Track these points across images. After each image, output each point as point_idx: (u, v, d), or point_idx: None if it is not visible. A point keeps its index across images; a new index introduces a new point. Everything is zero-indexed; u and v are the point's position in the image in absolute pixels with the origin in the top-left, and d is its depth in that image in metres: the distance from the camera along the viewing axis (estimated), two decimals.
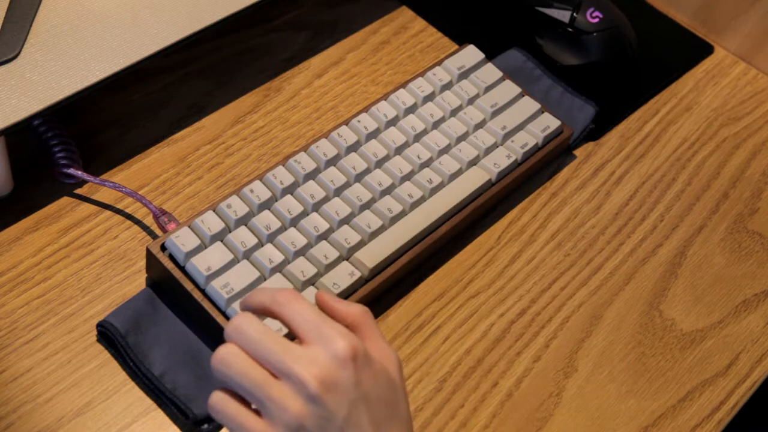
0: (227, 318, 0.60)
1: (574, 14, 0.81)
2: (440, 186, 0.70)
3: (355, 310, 0.54)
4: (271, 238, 0.64)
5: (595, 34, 0.81)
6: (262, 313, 0.53)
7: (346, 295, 0.63)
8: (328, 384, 0.49)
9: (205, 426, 0.59)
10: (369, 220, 0.66)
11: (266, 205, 0.65)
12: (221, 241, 0.63)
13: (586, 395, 0.65)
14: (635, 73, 0.84)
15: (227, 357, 0.50)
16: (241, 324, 0.51)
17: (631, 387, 0.66)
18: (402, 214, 0.67)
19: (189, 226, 0.63)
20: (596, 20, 0.81)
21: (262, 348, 0.50)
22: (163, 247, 0.62)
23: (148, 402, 0.60)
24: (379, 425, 0.51)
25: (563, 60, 0.82)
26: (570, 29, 0.81)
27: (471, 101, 0.75)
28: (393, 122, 0.72)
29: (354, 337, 0.51)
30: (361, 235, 0.65)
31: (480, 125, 0.74)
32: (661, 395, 0.66)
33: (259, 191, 0.65)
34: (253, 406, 0.50)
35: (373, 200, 0.68)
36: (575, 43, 0.82)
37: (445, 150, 0.71)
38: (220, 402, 0.51)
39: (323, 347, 0.50)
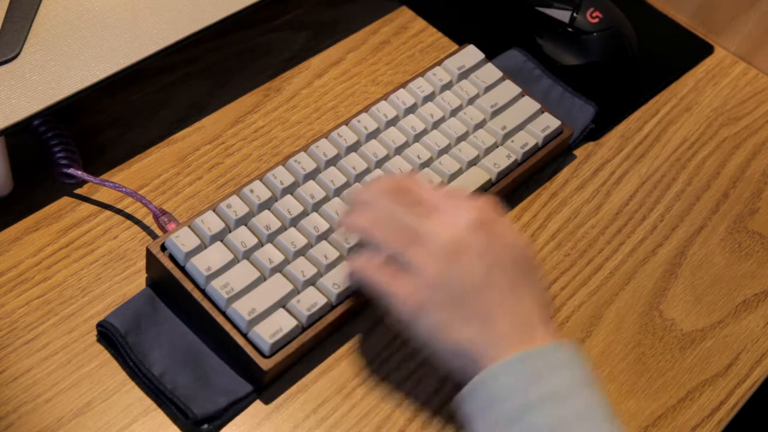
0: (227, 318, 0.60)
1: (574, 14, 0.81)
2: (440, 186, 0.70)
3: (481, 201, 0.59)
4: (271, 238, 0.64)
5: (595, 34, 0.81)
6: (396, 191, 0.59)
7: (345, 295, 0.63)
8: (460, 247, 0.56)
9: (205, 426, 0.59)
10: None
11: (266, 205, 0.65)
12: (221, 241, 0.63)
13: None
14: (635, 73, 0.84)
15: (371, 225, 0.58)
16: (380, 196, 0.59)
17: (631, 387, 0.66)
18: None
19: (189, 226, 0.63)
20: (596, 20, 0.81)
21: (401, 217, 0.58)
22: (163, 247, 0.62)
23: (148, 402, 0.60)
24: (512, 291, 0.56)
25: (563, 60, 0.82)
26: (570, 29, 0.81)
27: (471, 101, 0.75)
28: (393, 122, 0.72)
29: (483, 208, 0.58)
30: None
31: (480, 125, 0.74)
32: (661, 395, 0.66)
33: (259, 191, 0.65)
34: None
35: None
36: (575, 43, 0.82)
37: (445, 150, 0.71)
38: (363, 267, 0.58)
39: (454, 215, 0.57)
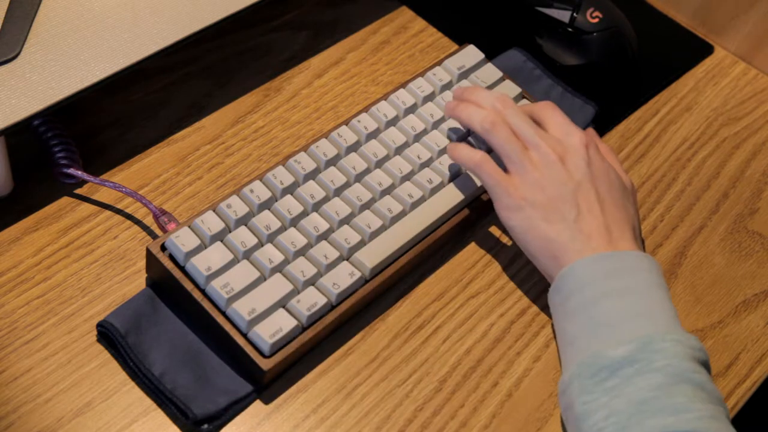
0: (227, 318, 0.60)
1: (574, 14, 0.81)
2: (440, 186, 0.70)
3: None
4: (271, 238, 0.64)
5: (595, 34, 0.81)
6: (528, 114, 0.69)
7: (345, 295, 0.63)
8: (564, 156, 0.65)
9: (205, 426, 0.59)
10: (369, 220, 0.66)
11: (266, 205, 0.65)
12: (221, 241, 0.63)
13: None
14: (635, 73, 0.84)
15: (496, 123, 0.66)
16: (508, 102, 0.67)
17: None
18: (402, 214, 0.67)
19: (189, 226, 0.63)
20: (596, 20, 0.81)
21: (522, 124, 0.66)
22: (163, 247, 0.62)
23: (148, 402, 0.60)
24: (604, 201, 0.64)
25: (563, 60, 0.82)
26: (570, 29, 0.81)
27: None
28: (393, 122, 0.72)
29: (591, 137, 0.67)
30: (361, 235, 0.65)
31: None
32: None
33: (259, 191, 0.65)
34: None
35: (373, 200, 0.68)
36: (575, 43, 0.82)
37: (445, 150, 0.71)
38: (483, 159, 0.66)
39: (565, 134, 0.66)
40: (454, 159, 0.68)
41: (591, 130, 0.69)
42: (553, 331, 0.66)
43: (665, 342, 0.57)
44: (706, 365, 0.59)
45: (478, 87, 0.71)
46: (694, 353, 0.58)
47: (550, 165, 0.64)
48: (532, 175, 0.64)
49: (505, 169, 0.66)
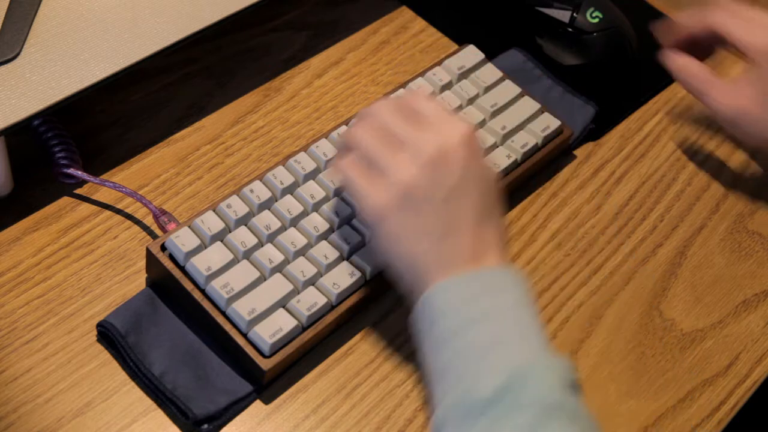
0: (227, 318, 0.60)
1: (574, 14, 0.81)
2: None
3: (472, 126, 0.61)
4: (271, 238, 0.64)
5: (595, 34, 0.81)
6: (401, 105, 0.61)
7: (345, 295, 0.63)
8: (440, 157, 0.58)
9: (205, 426, 0.59)
10: None
11: (266, 205, 0.65)
12: (221, 241, 0.63)
13: (586, 395, 0.65)
14: (635, 73, 0.84)
15: (361, 130, 0.60)
16: (379, 106, 0.61)
17: (631, 387, 0.66)
18: None
19: (189, 226, 0.63)
20: (596, 20, 0.81)
21: (393, 122, 0.60)
22: (163, 247, 0.62)
23: (148, 402, 0.60)
24: (475, 213, 0.58)
25: (563, 60, 0.82)
26: (570, 29, 0.81)
27: (471, 101, 0.75)
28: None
29: (472, 129, 0.60)
30: (361, 235, 0.65)
31: (480, 125, 0.74)
32: (661, 395, 0.66)
33: (259, 191, 0.65)
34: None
35: None
36: (575, 43, 0.82)
37: None
38: (347, 164, 0.60)
39: (443, 128, 0.59)
40: (332, 172, 0.64)
41: (474, 126, 0.63)
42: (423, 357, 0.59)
43: (533, 372, 0.53)
44: (576, 387, 0.55)
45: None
46: (564, 378, 0.54)
47: (422, 167, 0.57)
48: (401, 179, 0.57)
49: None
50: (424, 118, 0.60)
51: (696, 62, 0.74)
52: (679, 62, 0.75)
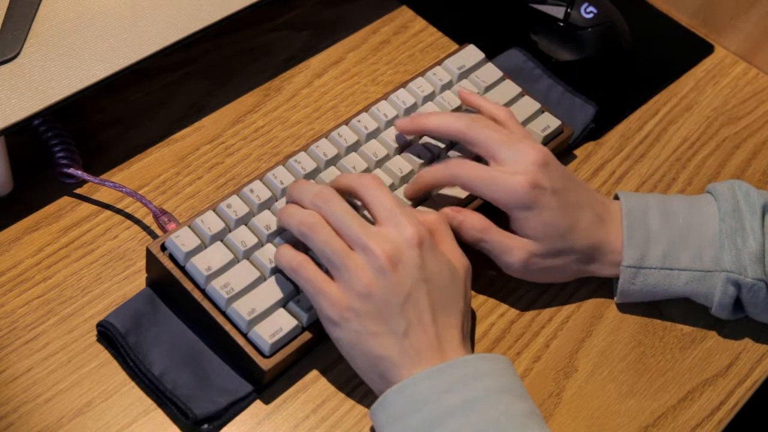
0: (227, 318, 0.60)
1: (569, 10, 0.81)
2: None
3: (431, 218, 0.62)
4: (271, 238, 0.64)
5: (589, 29, 0.81)
6: (346, 191, 0.61)
7: None
8: (395, 261, 0.57)
9: (205, 426, 0.59)
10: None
11: (266, 205, 0.65)
12: (221, 241, 0.63)
13: (586, 395, 0.65)
14: (631, 68, 0.84)
15: (313, 225, 0.59)
16: (328, 197, 0.59)
17: (631, 387, 0.66)
18: None
19: (189, 226, 0.63)
20: (590, 15, 0.81)
21: (345, 222, 0.58)
22: (163, 247, 0.62)
23: (148, 402, 0.60)
24: (435, 309, 0.58)
25: (558, 56, 0.83)
26: (564, 25, 0.81)
27: None
28: (393, 122, 0.72)
29: (424, 228, 0.59)
30: None
31: None
32: (661, 395, 0.66)
33: (259, 191, 0.65)
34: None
35: None
36: (570, 38, 0.82)
37: (445, 150, 0.71)
38: (302, 264, 0.59)
39: (396, 229, 0.58)
40: (276, 263, 0.61)
41: (434, 218, 0.62)
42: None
43: None
44: None
45: (301, 182, 0.63)
46: None
47: (378, 271, 0.57)
48: (359, 283, 0.57)
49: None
50: (376, 214, 0.59)
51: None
52: None
